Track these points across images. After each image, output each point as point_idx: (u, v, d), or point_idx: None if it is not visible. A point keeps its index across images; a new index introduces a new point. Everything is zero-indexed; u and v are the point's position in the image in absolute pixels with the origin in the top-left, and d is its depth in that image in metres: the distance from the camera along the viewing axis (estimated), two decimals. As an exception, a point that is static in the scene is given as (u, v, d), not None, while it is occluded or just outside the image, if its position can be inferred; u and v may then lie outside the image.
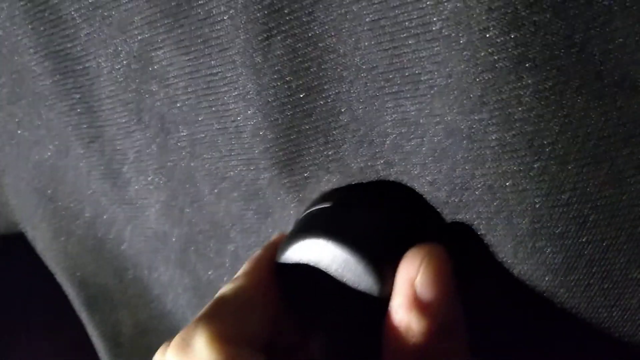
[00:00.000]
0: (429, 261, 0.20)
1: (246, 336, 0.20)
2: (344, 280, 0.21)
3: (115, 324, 0.34)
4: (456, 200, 0.21)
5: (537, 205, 0.20)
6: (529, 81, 0.18)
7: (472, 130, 0.20)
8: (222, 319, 0.20)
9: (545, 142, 0.19)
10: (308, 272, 0.22)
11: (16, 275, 0.34)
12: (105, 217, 0.32)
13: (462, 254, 0.22)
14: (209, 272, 0.31)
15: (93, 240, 0.33)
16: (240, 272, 0.22)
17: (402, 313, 0.19)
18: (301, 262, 0.22)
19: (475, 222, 0.21)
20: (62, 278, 0.34)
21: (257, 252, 0.23)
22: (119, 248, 0.33)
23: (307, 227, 0.22)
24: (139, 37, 0.25)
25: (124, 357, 0.34)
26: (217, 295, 0.21)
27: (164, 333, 0.34)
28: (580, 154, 0.19)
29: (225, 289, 0.21)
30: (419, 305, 0.19)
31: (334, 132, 0.23)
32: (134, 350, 0.35)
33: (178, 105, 0.26)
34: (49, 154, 0.31)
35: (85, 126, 0.29)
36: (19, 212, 0.34)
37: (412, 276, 0.20)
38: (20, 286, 0.35)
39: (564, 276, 0.20)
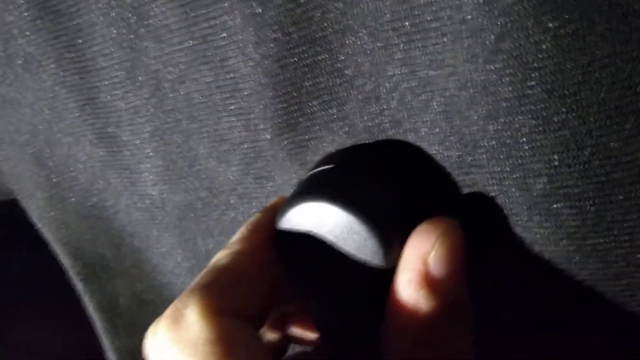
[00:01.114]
0: (445, 237, 0.18)
1: (241, 308, 0.19)
2: (347, 246, 0.20)
3: (112, 294, 0.33)
4: (468, 159, 0.20)
5: (555, 163, 0.18)
6: (549, 25, 0.17)
7: (486, 82, 0.18)
8: (216, 290, 0.19)
9: (565, 93, 0.17)
10: (309, 238, 0.21)
11: (11, 246, 0.33)
12: (101, 183, 0.31)
13: (473, 222, 0.21)
14: (208, 241, 0.30)
15: (89, 207, 0.32)
16: (236, 237, 0.21)
17: (412, 289, 0.18)
18: (302, 226, 0.21)
19: (488, 183, 0.20)
20: (57, 247, 0.33)
21: (255, 215, 0.22)
22: (115, 216, 0.32)
23: (309, 190, 0.21)
24: None
25: (121, 328, 0.33)
26: (211, 262, 0.20)
27: (164, 304, 0.33)
28: (604, 106, 0.17)
29: (220, 255, 0.20)
30: (430, 283, 0.18)
31: (338, 88, 0.22)
32: (132, 321, 0.34)
33: (173, 62, 0.24)
34: (43, 117, 0.30)
35: (78, 87, 0.28)
36: (13, 180, 0.32)
37: (425, 251, 0.18)
38: (16, 258, 0.34)
39: (582, 240, 0.19)
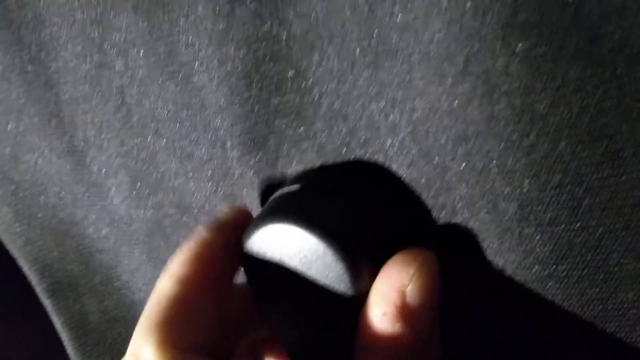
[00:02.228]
0: (423, 269, 0.18)
1: (199, 341, 0.18)
2: (314, 270, 0.20)
3: (81, 312, 0.32)
4: (437, 182, 0.19)
5: (525, 189, 0.18)
6: (518, 47, 0.16)
7: (454, 104, 0.18)
8: (167, 324, 0.18)
9: (535, 117, 0.17)
10: (275, 260, 0.20)
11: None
12: (69, 198, 0.30)
13: (443, 247, 0.21)
14: None
15: (56, 223, 0.31)
16: (178, 260, 0.19)
17: (387, 322, 0.17)
18: (268, 249, 0.20)
19: (458, 207, 0.19)
20: (24, 263, 0.32)
21: (197, 236, 0.20)
22: (84, 232, 0.31)
23: (275, 211, 0.20)
24: (96, 1, 0.23)
25: (90, 346, 0.33)
26: (157, 291, 0.19)
27: (133, 321, 0.32)
28: (574, 130, 0.17)
29: (165, 284, 0.19)
30: (407, 315, 0.17)
31: (306, 106, 0.21)
32: (101, 339, 0.33)
33: (139, 77, 0.24)
34: (8, 130, 0.29)
35: (43, 101, 0.27)
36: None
37: (402, 283, 0.18)
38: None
39: (554, 266, 0.19)
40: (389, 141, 0.20)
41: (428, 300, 0.17)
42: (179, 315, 0.18)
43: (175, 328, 0.18)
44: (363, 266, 0.19)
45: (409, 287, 0.17)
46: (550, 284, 0.19)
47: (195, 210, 0.27)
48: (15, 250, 0.32)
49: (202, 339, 0.18)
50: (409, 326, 0.17)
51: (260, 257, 0.21)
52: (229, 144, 0.23)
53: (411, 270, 0.18)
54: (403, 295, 0.17)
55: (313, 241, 0.19)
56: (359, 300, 0.19)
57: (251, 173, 0.23)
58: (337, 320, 0.20)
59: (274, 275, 0.21)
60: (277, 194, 0.22)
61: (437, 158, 0.19)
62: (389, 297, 0.17)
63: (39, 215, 0.31)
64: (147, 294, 0.31)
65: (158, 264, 0.30)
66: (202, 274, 0.19)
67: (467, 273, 0.20)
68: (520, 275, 0.19)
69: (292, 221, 0.19)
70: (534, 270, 0.19)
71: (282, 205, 0.21)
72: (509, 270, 0.19)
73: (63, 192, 0.30)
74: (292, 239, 0.20)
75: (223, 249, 0.20)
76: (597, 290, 0.19)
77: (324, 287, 0.20)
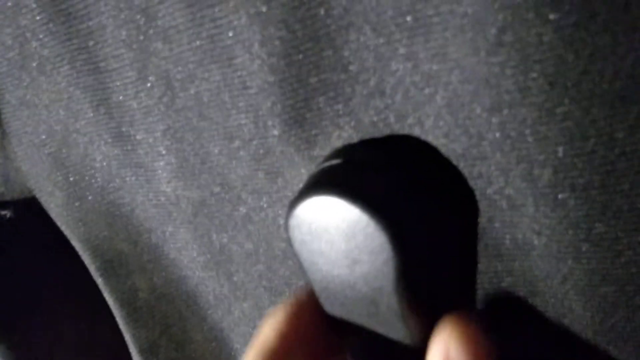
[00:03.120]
0: (463, 341, 0.19)
1: None
2: (356, 241, 0.20)
3: (131, 289, 0.34)
4: (473, 152, 0.20)
5: (560, 155, 0.18)
6: (550, 17, 0.17)
7: (489, 75, 0.18)
8: None
9: (568, 84, 0.17)
10: (318, 232, 0.21)
11: (32, 241, 0.34)
12: (117, 182, 0.31)
13: (480, 213, 0.21)
14: (222, 236, 0.30)
15: (106, 205, 0.32)
16: (280, 314, 0.22)
17: None
18: (310, 221, 0.21)
19: (494, 175, 0.20)
20: (76, 244, 0.34)
21: (297, 295, 0.22)
22: (132, 213, 0.32)
23: (316, 184, 0.21)
24: None
25: (141, 321, 0.34)
26: (260, 342, 0.21)
27: (181, 297, 0.34)
28: (607, 97, 0.17)
29: (268, 335, 0.21)
30: None
31: (343, 84, 0.22)
32: (150, 314, 0.34)
33: (182, 62, 0.25)
34: (58, 118, 0.31)
35: (92, 88, 0.28)
36: (32, 179, 0.33)
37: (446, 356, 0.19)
38: (36, 255, 0.35)
39: (589, 229, 0.19)
40: (425, 114, 0.20)
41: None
42: None
43: None
44: (405, 238, 0.20)
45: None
46: (585, 247, 0.20)
47: (238, 189, 0.28)
48: (68, 231, 0.33)
49: None
50: None
51: (304, 229, 0.22)
52: (270, 123, 0.24)
53: (452, 343, 0.19)
54: None
55: (355, 212, 0.20)
56: (402, 274, 0.20)
57: (292, 150, 0.24)
58: (378, 295, 0.21)
59: (319, 247, 0.22)
60: (317, 168, 0.23)
61: (472, 128, 0.20)
62: None
63: (90, 198, 0.32)
64: (194, 270, 0.33)
65: (203, 242, 0.31)
66: (300, 332, 0.20)
67: (503, 240, 0.21)
68: (555, 240, 0.20)
69: (334, 193, 0.20)
70: (568, 234, 0.20)
71: (323, 178, 0.22)
72: (545, 236, 0.20)
73: (111, 176, 0.31)
74: (334, 211, 0.21)
75: (316, 312, 0.21)
76: (632, 252, 0.19)
77: (366, 259, 0.21)
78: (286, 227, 0.22)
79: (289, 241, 0.23)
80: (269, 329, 0.21)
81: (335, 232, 0.21)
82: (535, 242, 0.20)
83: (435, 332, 0.19)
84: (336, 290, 0.22)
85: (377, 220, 0.20)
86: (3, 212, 0.34)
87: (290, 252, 0.29)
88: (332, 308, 0.23)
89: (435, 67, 0.19)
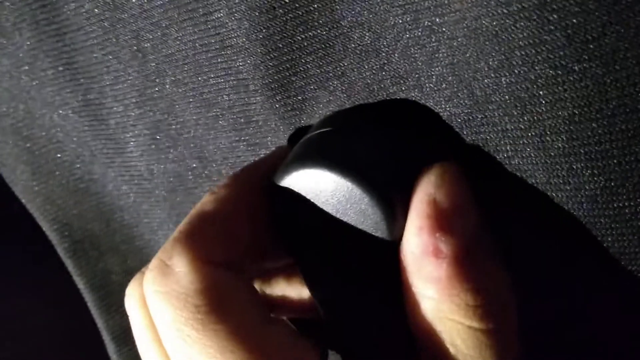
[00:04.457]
0: (444, 176, 0.17)
1: (230, 258, 0.17)
2: (347, 215, 0.18)
3: (103, 271, 0.32)
4: (478, 117, 0.18)
5: (576, 119, 0.16)
6: None
7: (498, 28, 0.16)
8: (204, 238, 0.17)
9: (588, 38, 0.15)
10: (307, 205, 0.19)
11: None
12: (86, 155, 0.29)
13: (486, 187, 0.19)
14: None
15: (75, 182, 0.30)
16: (224, 181, 0.19)
17: (426, 236, 0.16)
18: (298, 193, 0.19)
19: (501, 143, 0.18)
20: (43, 223, 0.31)
21: (250, 163, 0.20)
22: (104, 189, 0.30)
23: (306, 155, 0.19)
24: None
25: (115, 306, 0.32)
26: (196, 208, 0.19)
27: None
28: (632, 52, 0.15)
29: (206, 200, 0.19)
30: (443, 222, 0.16)
31: (333, 41, 0.19)
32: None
33: (154, 19, 0.22)
34: (21, 85, 0.28)
35: (56, 51, 0.26)
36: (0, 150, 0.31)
37: (429, 193, 0.16)
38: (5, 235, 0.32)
39: (605, 204, 0.17)
40: (426, 74, 0.18)
41: (460, 203, 0.16)
42: (214, 229, 0.18)
43: (210, 243, 0.17)
44: (399, 210, 0.18)
45: (436, 195, 0.16)
46: (600, 222, 0.18)
47: (218, 162, 0.25)
48: (34, 209, 0.31)
49: (233, 258, 0.18)
50: (449, 234, 0.16)
51: (290, 203, 0.19)
52: (251, 87, 0.22)
53: (432, 178, 0.17)
54: (432, 203, 0.16)
55: (347, 186, 0.18)
56: (396, 246, 0.18)
57: (276, 118, 0.22)
58: (372, 268, 0.19)
59: (306, 222, 0.20)
60: (305, 137, 0.20)
61: (478, 90, 0.17)
62: (419, 210, 0.16)
63: (57, 173, 0.30)
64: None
65: (180, 221, 0.29)
66: (241, 197, 0.18)
67: (511, 213, 0.19)
68: (568, 214, 0.18)
69: (322, 166, 0.18)
70: (583, 208, 0.18)
71: (311, 148, 0.20)
72: (557, 210, 0.18)
73: (80, 149, 0.29)
74: (323, 184, 0.18)
75: (265, 178, 0.19)
76: None
77: (357, 233, 0.19)
78: (270, 202, 0.20)
79: (273, 217, 0.20)
80: (207, 195, 0.19)
81: (323, 207, 0.19)
82: (541, 213, 0.19)
83: (420, 177, 0.17)
84: (323, 269, 0.20)
85: (371, 195, 0.18)
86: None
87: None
88: (318, 289, 0.21)
89: (437, 20, 0.17)
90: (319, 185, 0.19)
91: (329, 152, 0.19)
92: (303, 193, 0.19)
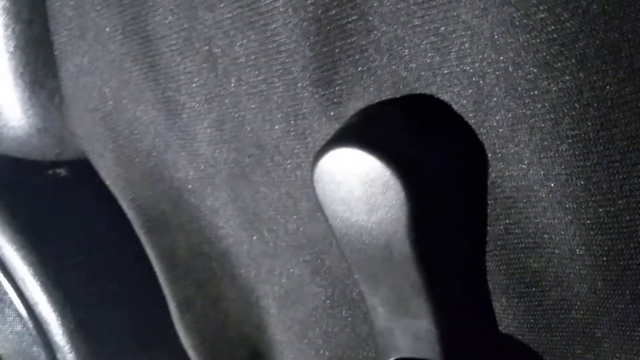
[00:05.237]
0: None
1: None
2: (373, 190, 0.23)
3: (171, 246, 0.37)
4: (482, 107, 0.22)
5: (557, 108, 0.20)
6: None
7: (495, 33, 0.20)
8: None
9: (565, 42, 0.19)
10: (341, 183, 0.23)
11: (84, 200, 0.37)
12: (161, 145, 0.34)
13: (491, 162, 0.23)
14: (255, 197, 0.33)
15: (151, 167, 0.35)
16: None
17: None
18: (334, 172, 0.23)
19: (500, 130, 0.22)
20: (123, 202, 0.37)
21: None
22: (174, 175, 0.35)
23: (341, 137, 0.24)
24: None
25: (179, 277, 0.37)
26: None
27: (215, 256, 0.36)
28: (601, 52, 0.19)
29: None
30: None
31: (366, 47, 0.24)
32: (187, 271, 0.37)
33: (224, 29, 0.27)
34: (111, 85, 0.34)
35: (141, 56, 0.31)
36: (84, 141, 0.36)
37: None
38: (88, 212, 0.38)
39: (587, 179, 0.21)
40: (441, 73, 0.23)
41: None
42: None
43: None
44: (418, 187, 0.22)
45: None
46: (583, 196, 0.21)
47: (271, 151, 0.30)
48: (116, 190, 0.36)
49: None
50: None
51: (327, 180, 0.24)
52: (300, 84, 0.26)
53: None
54: None
55: (373, 162, 0.22)
56: (414, 221, 0.22)
57: (320, 110, 0.27)
58: (392, 241, 0.23)
59: (340, 196, 0.24)
60: (343, 124, 0.25)
61: (482, 86, 0.22)
62: None
63: (136, 160, 0.35)
64: (227, 231, 0.35)
65: (238, 204, 0.34)
66: None
67: (512, 196, 0.23)
68: (558, 191, 0.22)
69: (353, 145, 0.23)
70: (569, 184, 0.21)
71: (344, 132, 0.24)
72: (549, 187, 0.22)
73: (157, 140, 0.34)
74: (354, 161, 0.23)
75: None
76: (624, 201, 0.21)
77: (382, 206, 0.23)
78: (311, 178, 0.24)
79: (314, 192, 0.25)
80: None
81: (355, 181, 0.23)
82: (541, 193, 0.22)
83: None
84: (355, 237, 0.24)
85: (393, 169, 0.22)
86: (58, 171, 0.37)
87: (317, 212, 0.31)
88: (351, 255, 0.25)
89: (449, 28, 0.21)
90: (349, 163, 0.23)
91: (357, 135, 0.23)
92: (338, 171, 0.23)
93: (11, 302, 0.36)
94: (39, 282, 0.35)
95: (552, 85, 0.20)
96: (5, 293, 0.36)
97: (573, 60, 0.19)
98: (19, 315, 0.36)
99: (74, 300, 0.35)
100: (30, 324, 0.35)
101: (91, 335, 0.35)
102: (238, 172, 0.32)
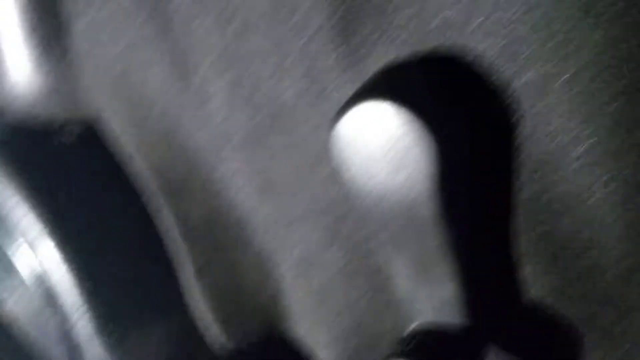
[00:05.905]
0: None
1: None
2: (397, 149, 0.22)
3: (187, 211, 0.36)
4: (512, 64, 0.21)
5: (592, 64, 0.19)
6: None
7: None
8: None
9: None
10: (362, 140, 0.23)
11: (95, 163, 0.37)
12: (175, 107, 0.33)
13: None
14: (272, 161, 0.32)
15: (165, 130, 0.34)
16: None
17: None
18: (354, 129, 0.22)
19: (531, 87, 0.21)
20: (136, 165, 0.36)
21: None
22: (189, 139, 0.34)
23: (360, 95, 0.23)
24: None
25: (195, 242, 0.36)
26: None
27: (230, 223, 0.36)
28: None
29: None
30: None
31: (385, 6, 0.23)
32: (203, 237, 0.36)
33: None
34: (124, 44, 0.33)
35: (154, 13, 0.30)
36: (96, 101, 0.36)
37: None
38: (99, 176, 0.37)
39: (628, 135, 0.20)
40: (467, 28, 0.21)
41: None
42: None
43: None
44: (444, 146, 0.21)
45: None
46: (621, 154, 0.20)
47: (289, 112, 0.29)
48: (129, 153, 0.36)
49: None
50: None
51: (348, 139, 0.23)
52: (318, 41, 0.25)
53: None
54: None
55: (398, 120, 0.21)
56: (439, 181, 0.21)
57: (340, 69, 0.26)
58: (415, 204, 0.22)
59: (362, 156, 0.23)
60: (365, 82, 0.24)
61: (514, 43, 0.20)
62: None
63: (149, 122, 0.34)
64: (242, 197, 0.35)
65: (253, 169, 0.33)
66: None
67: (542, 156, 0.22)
68: (592, 150, 0.21)
69: (381, 102, 0.22)
70: (606, 142, 0.20)
71: (366, 90, 0.23)
72: (582, 147, 0.21)
73: (170, 101, 0.33)
74: (378, 120, 0.22)
75: None
76: None
77: (406, 167, 0.22)
78: (331, 139, 0.23)
79: (334, 153, 0.24)
80: None
81: (378, 141, 0.22)
82: (574, 154, 0.21)
83: None
84: (378, 199, 0.23)
85: (419, 126, 0.21)
86: (70, 132, 0.36)
87: (335, 177, 0.30)
88: (373, 218, 0.24)
89: None
90: (373, 121, 0.22)
91: (381, 92, 0.22)
92: (359, 128, 0.22)
93: (22, 265, 0.36)
94: (50, 245, 0.34)
95: (587, 41, 0.19)
96: (16, 255, 0.36)
97: (608, 15, 0.18)
98: (29, 278, 0.35)
99: (87, 263, 0.35)
100: (41, 288, 0.35)
101: (104, 299, 0.35)
102: (253, 135, 0.31)
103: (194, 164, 0.35)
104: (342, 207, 0.30)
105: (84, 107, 0.36)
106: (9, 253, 0.35)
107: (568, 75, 0.20)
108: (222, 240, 0.36)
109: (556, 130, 0.21)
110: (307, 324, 0.36)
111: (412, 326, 0.26)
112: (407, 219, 0.23)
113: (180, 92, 0.32)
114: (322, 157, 0.29)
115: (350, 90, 0.26)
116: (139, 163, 0.36)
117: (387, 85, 0.23)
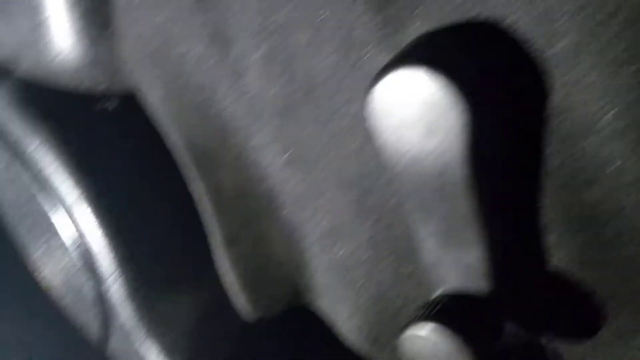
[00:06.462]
0: None
1: None
2: (432, 114, 0.22)
3: (217, 182, 0.37)
4: (546, 32, 0.22)
5: (624, 32, 0.20)
6: None
7: None
8: None
9: None
10: (400, 105, 0.23)
11: (133, 135, 0.38)
12: (211, 80, 0.34)
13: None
14: (303, 133, 0.32)
15: (200, 103, 0.35)
16: None
17: None
18: (392, 95, 0.23)
19: (563, 56, 0.22)
20: (172, 137, 0.37)
21: None
22: (223, 112, 0.35)
23: (399, 60, 0.23)
24: None
25: (224, 214, 0.37)
26: None
27: (259, 195, 0.37)
28: None
29: None
30: None
31: None
32: (233, 208, 0.37)
33: None
34: (162, 18, 0.34)
35: None
36: (135, 75, 0.37)
37: None
38: (136, 148, 0.39)
39: None
40: (499, 1, 0.22)
41: None
42: None
43: None
44: (478, 112, 0.22)
45: None
46: None
47: (323, 84, 0.30)
48: (165, 124, 0.37)
49: None
50: None
51: (384, 104, 0.24)
52: (353, 13, 0.26)
53: None
54: None
55: (434, 85, 0.22)
56: (471, 146, 0.22)
57: (375, 38, 0.26)
58: (447, 169, 0.23)
59: (396, 120, 0.24)
60: (400, 50, 0.25)
61: (547, 10, 0.21)
62: None
63: (186, 95, 0.36)
64: (272, 170, 0.35)
65: (284, 141, 0.34)
66: None
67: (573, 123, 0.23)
68: (623, 117, 0.21)
69: (413, 67, 0.22)
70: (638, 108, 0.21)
71: (403, 56, 0.24)
72: (613, 114, 0.21)
73: (206, 75, 0.34)
74: (414, 84, 0.22)
75: None
76: None
77: (439, 132, 0.22)
78: (366, 105, 0.24)
79: (366, 121, 0.25)
80: None
81: (412, 106, 0.23)
82: (603, 122, 0.22)
83: None
84: (409, 164, 0.24)
85: (454, 92, 0.22)
86: (109, 103, 0.38)
87: (364, 150, 0.31)
88: (404, 183, 0.25)
89: None
90: (409, 86, 0.23)
91: (417, 58, 0.23)
92: (397, 94, 0.23)
93: (58, 231, 0.37)
94: (87, 211, 0.35)
95: (620, 9, 0.20)
96: (52, 223, 0.37)
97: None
98: (67, 241, 0.37)
99: (122, 230, 0.36)
100: (77, 251, 0.36)
101: (137, 265, 0.36)
102: (286, 108, 0.32)
103: (227, 135, 0.36)
104: (370, 179, 0.31)
105: (124, 78, 0.37)
106: (48, 216, 0.37)
107: (600, 44, 0.20)
108: (252, 211, 0.37)
109: (586, 99, 0.22)
110: (330, 295, 0.36)
111: (437, 292, 0.26)
112: (438, 184, 0.24)
113: (217, 64, 0.33)
114: (352, 129, 0.30)
115: (385, 60, 0.27)
116: (175, 133, 0.37)
117: (422, 52, 0.23)
